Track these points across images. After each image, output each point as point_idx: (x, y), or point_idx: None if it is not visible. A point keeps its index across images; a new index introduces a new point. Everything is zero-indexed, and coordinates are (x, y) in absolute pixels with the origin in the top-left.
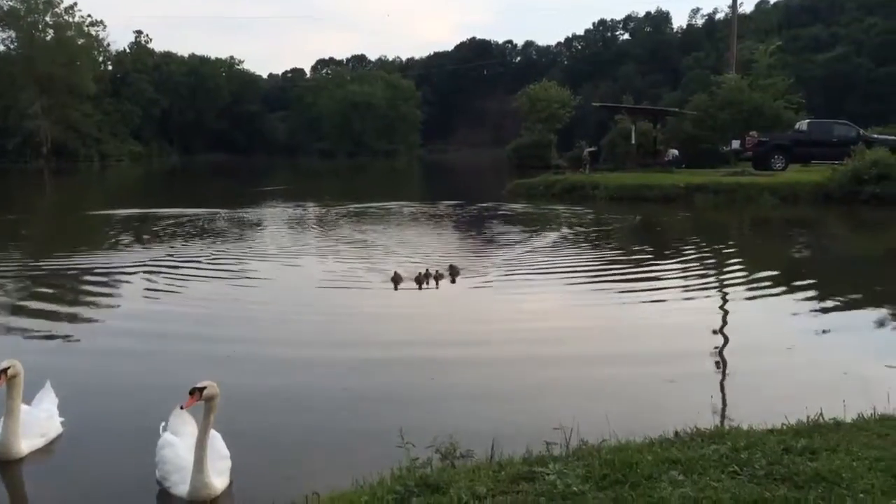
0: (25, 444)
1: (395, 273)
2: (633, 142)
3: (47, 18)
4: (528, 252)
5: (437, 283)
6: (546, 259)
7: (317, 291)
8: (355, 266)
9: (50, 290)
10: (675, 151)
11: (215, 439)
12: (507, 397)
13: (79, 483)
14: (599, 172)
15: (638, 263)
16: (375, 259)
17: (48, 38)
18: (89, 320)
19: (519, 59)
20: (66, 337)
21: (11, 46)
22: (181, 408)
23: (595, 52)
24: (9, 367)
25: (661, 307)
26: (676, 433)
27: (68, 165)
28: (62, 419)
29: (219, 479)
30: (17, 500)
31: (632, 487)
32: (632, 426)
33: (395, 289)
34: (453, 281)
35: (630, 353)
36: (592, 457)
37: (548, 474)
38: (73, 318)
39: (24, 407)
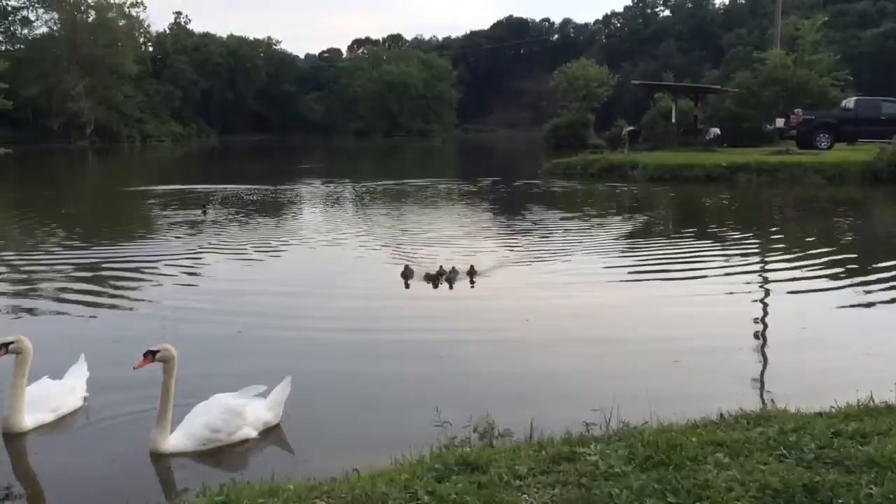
0: (31, 418)
1: (406, 267)
2: (674, 120)
3: (89, 0)
4: (557, 236)
5: (450, 284)
6: (576, 240)
7: (333, 278)
8: (375, 253)
9: (90, 270)
10: (717, 130)
11: (216, 409)
12: (542, 379)
13: (78, 459)
14: (638, 152)
15: (678, 245)
16: (397, 246)
17: (90, 19)
18: (129, 299)
19: (556, 37)
20: (102, 316)
21: (54, 28)
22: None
23: (634, 29)
24: (12, 342)
25: (704, 288)
26: (721, 415)
27: (111, 146)
28: (86, 394)
29: (176, 440)
30: (21, 471)
31: (676, 469)
32: (673, 408)
33: (406, 286)
34: (472, 282)
35: (669, 334)
36: (635, 438)
37: (589, 455)
38: (113, 297)
39: (45, 381)
